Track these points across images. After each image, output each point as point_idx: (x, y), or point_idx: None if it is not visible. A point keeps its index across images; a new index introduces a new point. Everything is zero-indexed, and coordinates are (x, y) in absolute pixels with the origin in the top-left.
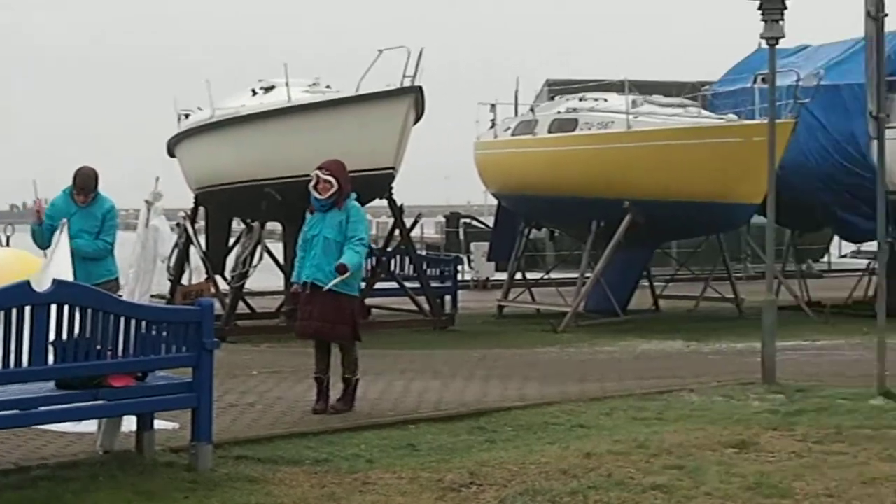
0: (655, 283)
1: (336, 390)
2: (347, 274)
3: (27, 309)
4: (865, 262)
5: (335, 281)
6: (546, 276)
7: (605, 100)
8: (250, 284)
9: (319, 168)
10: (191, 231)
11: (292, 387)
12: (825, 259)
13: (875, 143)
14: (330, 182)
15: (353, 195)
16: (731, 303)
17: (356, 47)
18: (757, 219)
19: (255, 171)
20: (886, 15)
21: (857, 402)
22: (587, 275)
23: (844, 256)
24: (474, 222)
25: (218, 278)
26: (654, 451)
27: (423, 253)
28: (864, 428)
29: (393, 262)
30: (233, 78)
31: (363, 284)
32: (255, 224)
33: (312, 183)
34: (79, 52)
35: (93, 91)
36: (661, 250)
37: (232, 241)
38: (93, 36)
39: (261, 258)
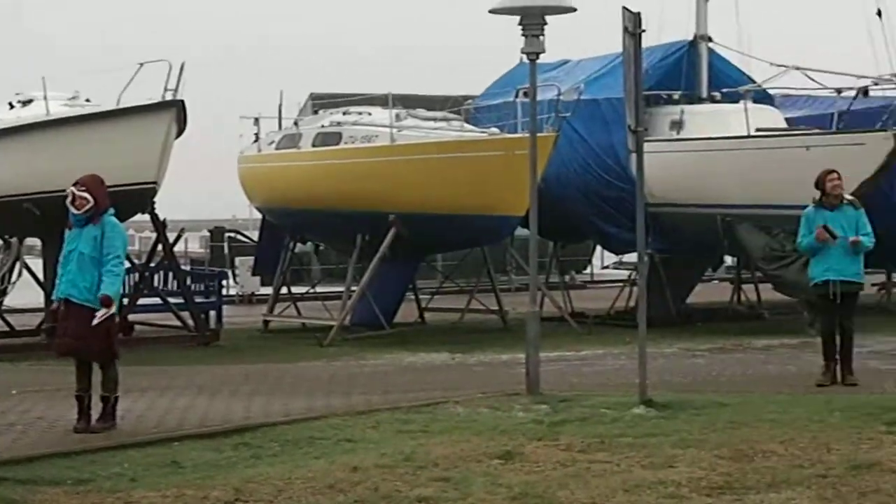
0: (421, 296)
1: (99, 409)
2: (112, 308)
3: None
4: (627, 272)
5: (100, 316)
6: (312, 290)
7: (369, 114)
8: (9, 301)
9: (75, 184)
10: None
11: (53, 406)
12: (588, 270)
13: (634, 156)
14: (85, 198)
15: (111, 210)
16: (495, 314)
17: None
18: (520, 231)
19: (14, 186)
20: (644, 31)
21: (620, 411)
22: (353, 288)
23: (606, 267)
24: (239, 237)
25: None
26: (421, 464)
27: (187, 268)
28: (626, 436)
29: (156, 277)
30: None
31: (125, 301)
32: (14, 240)
33: (69, 199)
34: None
35: None
36: (426, 263)
37: None
38: None
39: (20, 274)
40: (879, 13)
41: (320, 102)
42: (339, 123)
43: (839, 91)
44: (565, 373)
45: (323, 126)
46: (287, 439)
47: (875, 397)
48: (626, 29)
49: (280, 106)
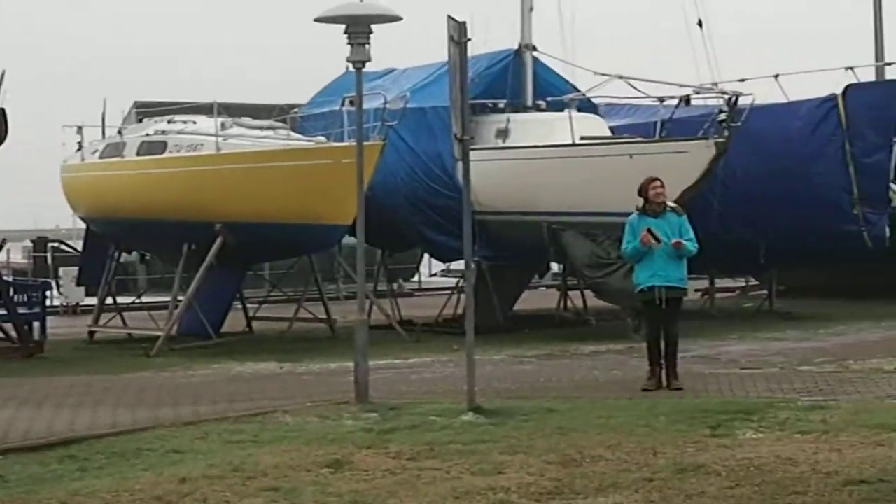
0: (248, 305)
1: None
2: None
3: None
4: (454, 280)
5: None
6: (138, 301)
7: (195, 122)
8: None
9: None
10: None
11: None
12: (415, 278)
13: (461, 164)
14: None
15: None
16: (324, 323)
17: None
18: (348, 239)
19: None
20: (469, 40)
21: (449, 418)
22: (179, 298)
23: (434, 275)
24: (63, 247)
25: None
26: (250, 474)
27: (10, 279)
28: (455, 443)
29: None
30: None
31: None
32: None
33: None
34: None
35: None
36: (253, 272)
37: None
38: None
39: None
40: (700, 23)
41: (144, 111)
42: (163, 132)
43: (662, 100)
44: (394, 381)
45: (147, 135)
46: (114, 451)
47: (699, 401)
48: (451, 38)
49: (103, 114)
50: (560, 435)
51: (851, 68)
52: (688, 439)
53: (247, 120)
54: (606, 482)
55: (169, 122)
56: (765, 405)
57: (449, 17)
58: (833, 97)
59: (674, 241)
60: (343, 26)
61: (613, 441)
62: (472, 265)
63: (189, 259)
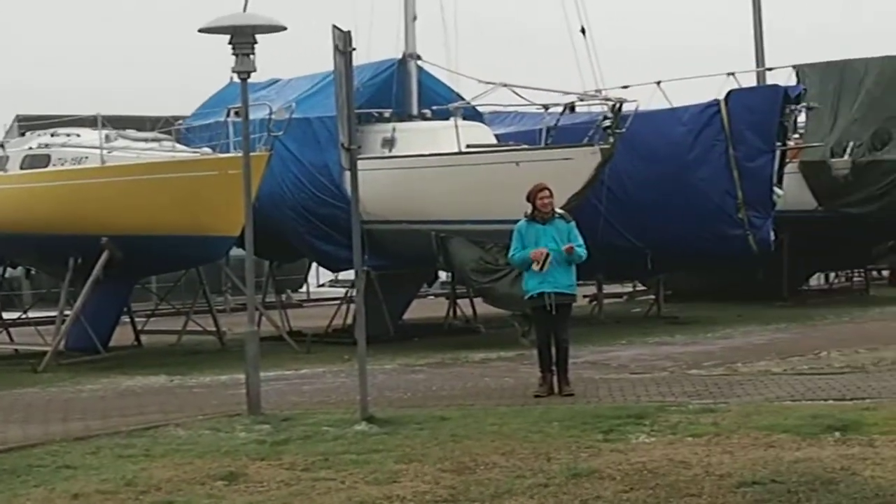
0: (136, 318)
1: None
2: None
3: None
4: (343, 290)
5: None
6: (24, 316)
7: (78, 135)
8: None
9: None
10: None
11: None
12: (304, 289)
13: (348, 173)
14: None
15: None
16: (213, 335)
17: None
18: (236, 251)
19: None
20: (354, 49)
21: (342, 428)
22: (66, 312)
23: (322, 286)
24: None
25: None
26: (143, 488)
27: None
28: (349, 453)
29: None
30: None
31: None
32: None
33: None
34: None
35: None
36: (140, 285)
37: None
38: None
39: None
40: (584, 31)
41: (27, 124)
42: (47, 145)
43: (546, 107)
44: (286, 392)
45: (30, 148)
46: (4, 468)
47: (591, 406)
48: (336, 47)
49: None
50: (454, 443)
51: (733, 74)
52: (581, 444)
53: (131, 132)
54: (502, 489)
55: (52, 135)
56: (656, 409)
57: (334, 26)
58: (716, 102)
59: (565, 246)
60: (227, 37)
61: (507, 448)
62: (363, 274)
63: (75, 273)
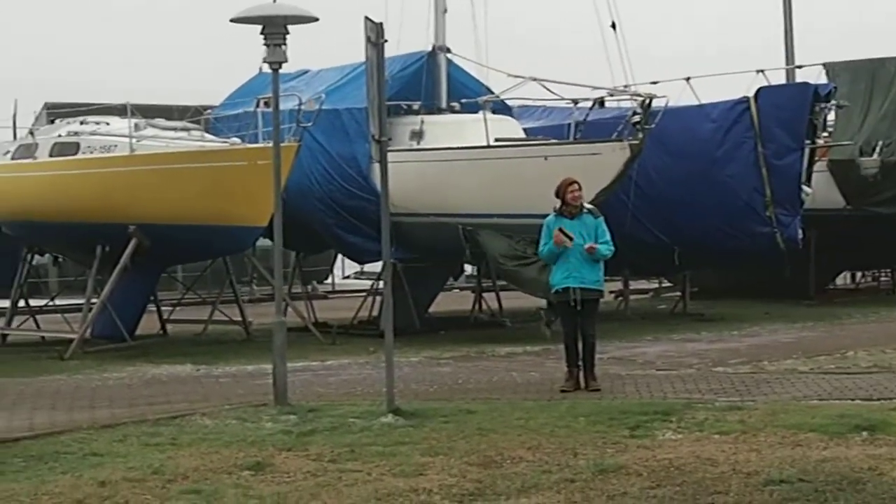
0: (163, 307)
1: None
2: None
3: None
4: (369, 282)
5: None
6: (51, 303)
7: (108, 123)
8: None
9: None
10: None
11: None
12: (329, 280)
13: (377, 166)
14: None
15: None
16: (239, 325)
17: None
18: (263, 241)
19: None
20: (386, 41)
21: (369, 420)
22: (93, 300)
23: (348, 277)
24: None
25: None
26: (170, 477)
27: None
28: (376, 445)
29: None
30: None
31: None
32: None
33: None
34: None
35: None
36: (167, 274)
37: None
38: None
39: None
40: (614, 26)
41: (56, 112)
42: (76, 133)
43: (576, 102)
44: (312, 383)
45: (60, 136)
46: (31, 455)
47: (618, 402)
48: (368, 38)
49: (14, 115)
50: (480, 436)
51: (762, 71)
52: (608, 440)
53: (160, 121)
54: (528, 483)
55: (81, 123)
56: (683, 406)
57: (366, 18)
58: (745, 100)
59: (587, 246)
60: (258, 27)
61: (533, 442)
62: (390, 266)
63: (102, 261)
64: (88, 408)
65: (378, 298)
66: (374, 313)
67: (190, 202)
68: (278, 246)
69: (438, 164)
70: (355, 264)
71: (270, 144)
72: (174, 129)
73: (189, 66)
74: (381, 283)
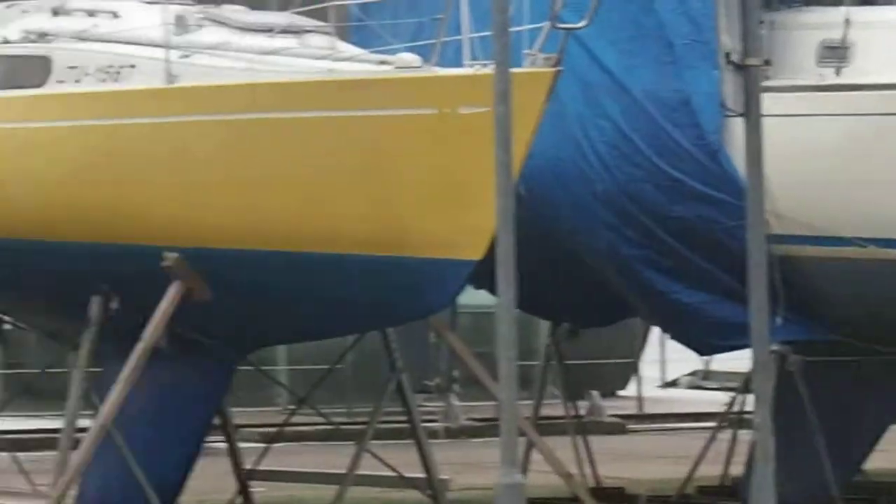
0: (244, 445)
1: None
2: None
3: None
4: (721, 395)
5: None
6: None
7: (115, 14)
8: None
9: None
10: None
11: None
12: (631, 389)
13: (738, 123)
14: None
15: None
16: (420, 489)
17: None
18: (473, 296)
19: None
20: None
21: None
22: (83, 419)
23: (673, 383)
24: None
25: None
26: None
27: None
28: None
29: None
30: None
31: None
32: None
33: None
34: None
35: None
36: (251, 368)
37: None
38: None
39: None
40: None
41: None
42: (42, 36)
43: None
44: None
45: (7, 41)
46: None
47: None
48: None
49: None
50: None
51: None
52: None
53: (237, 11)
54: None
55: (55, 12)
56: None
57: None
58: None
59: None
60: None
61: None
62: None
63: (102, 332)
64: None
65: (743, 435)
66: (737, 469)
67: (310, 203)
68: (507, 308)
69: (889, 119)
70: (692, 354)
71: (486, 69)
72: (269, 29)
73: None
74: (750, 400)
